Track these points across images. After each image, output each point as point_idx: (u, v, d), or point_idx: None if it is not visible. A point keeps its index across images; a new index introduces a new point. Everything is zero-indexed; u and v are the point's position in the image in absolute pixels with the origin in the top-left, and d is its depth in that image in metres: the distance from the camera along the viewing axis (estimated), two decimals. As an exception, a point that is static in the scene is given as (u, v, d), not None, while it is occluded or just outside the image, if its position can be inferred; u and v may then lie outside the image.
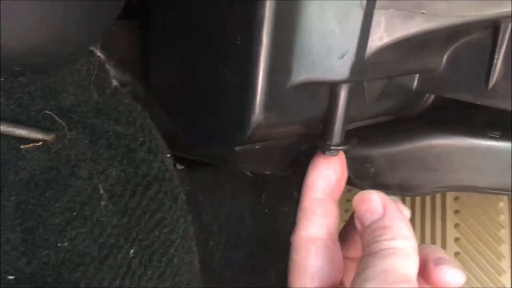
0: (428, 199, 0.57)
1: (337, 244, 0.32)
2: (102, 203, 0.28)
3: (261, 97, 0.28)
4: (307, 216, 0.32)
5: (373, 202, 0.29)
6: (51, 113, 0.31)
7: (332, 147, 0.33)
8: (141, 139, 0.33)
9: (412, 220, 0.56)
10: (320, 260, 0.30)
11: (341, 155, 0.34)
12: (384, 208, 0.29)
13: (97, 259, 0.27)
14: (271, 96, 0.29)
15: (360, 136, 0.40)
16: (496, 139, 0.39)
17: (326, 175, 0.33)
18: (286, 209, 0.58)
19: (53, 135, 0.30)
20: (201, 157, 0.44)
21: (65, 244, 0.27)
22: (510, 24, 0.33)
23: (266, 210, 0.55)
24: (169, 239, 0.31)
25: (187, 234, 0.33)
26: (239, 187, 0.52)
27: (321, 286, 0.29)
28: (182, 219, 0.32)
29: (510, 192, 0.42)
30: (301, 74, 0.29)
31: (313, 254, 0.30)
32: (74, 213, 0.28)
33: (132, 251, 0.29)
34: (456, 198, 0.56)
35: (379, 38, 0.30)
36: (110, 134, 0.31)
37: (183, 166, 0.45)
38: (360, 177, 0.42)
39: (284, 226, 0.57)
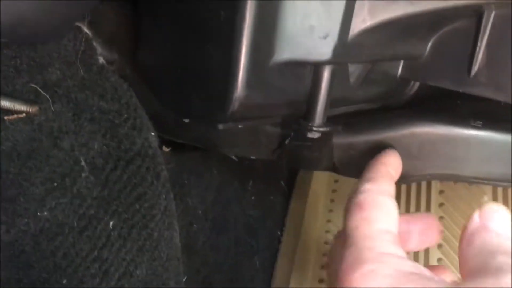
0: (413, 192, 0.57)
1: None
2: (83, 174, 0.29)
3: (244, 74, 0.29)
4: (376, 177, 0.33)
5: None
6: (36, 86, 0.31)
7: (314, 128, 0.33)
8: (125, 115, 0.33)
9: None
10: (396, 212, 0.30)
11: None
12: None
13: (76, 229, 0.28)
14: (253, 74, 0.29)
15: (345, 123, 0.41)
16: (479, 128, 0.39)
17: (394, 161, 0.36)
18: (272, 198, 0.58)
19: (37, 108, 0.30)
20: (188, 140, 0.44)
21: (45, 213, 0.27)
22: (493, 12, 0.34)
23: (253, 197, 0.56)
24: (149, 214, 0.31)
25: (168, 211, 0.33)
26: (227, 173, 0.53)
27: (396, 232, 0.29)
28: (164, 196, 0.33)
29: (492, 182, 0.42)
30: (284, 53, 0.30)
31: (394, 204, 0.30)
32: (55, 184, 0.28)
33: (111, 223, 0.29)
34: (441, 192, 0.57)
35: (362, 20, 0.30)
36: (94, 109, 0.32)
37: (170, 149, 0.45)
38: (344, 164, 0.42)
39: (270, 214, 0.58)
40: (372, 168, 0.35)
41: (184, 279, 0.39)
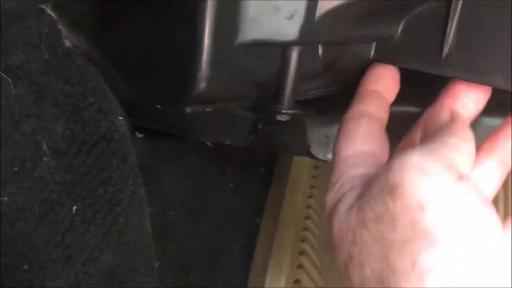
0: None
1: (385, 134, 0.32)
2: (45, 159, 0.28)
3: (208, 54, 0.28)
4: (362, 99, 0.33)
5: (442, 112, 0.30)
6: None
7: (283, 111, 0.33)
8: (91, 99, 0.32)
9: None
10: (372, 129, 0.30)
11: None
12: (452, 117, 0.30)
13: (38, 214, 0.27)
14: (218, 54, 0.29)
15: (319, 107, 0.41)
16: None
17: (385, 75, 0.35)
18: (251, 184, 0.58)
19: (-2, 91, 0.29)
20: (162, 127, 0.44)
21: (5, 198, 0.27)
22: (463, -8, 0.34)
23: (232, 184, 0.55)
24: (115, 198, 0.30)
25: (136, 196, 0.33)
26: (204, 160, 0.52)
27: (372, 150, 0.29)
28: (131, 180, 0.32)
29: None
30: (249, 33, 0.29)
31: (365, 122, 0.31)
32: (15, 168, 0.27)
33: (74, 208, 0.28)
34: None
35: (329, -1, 0.30)
36: (58, 92, 0.31)
37: (143, 135, 0.45)
38: (319, 149, 0.42)
39: (250, 201, 0.57)
40: (358, 90, 0.34)
41: (156, 266, 0.39)
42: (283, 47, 0.31)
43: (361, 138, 0.30)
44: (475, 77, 0.36)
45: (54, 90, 0.31)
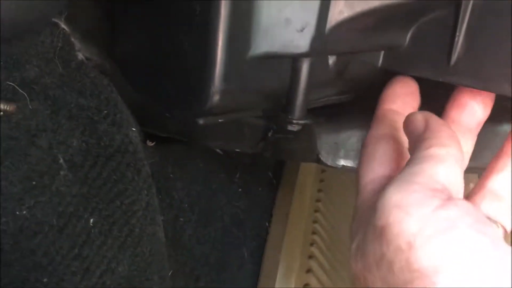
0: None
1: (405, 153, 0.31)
2: (62, 172, 0.29)
3: (221, 67, 0.29)
4: (379, 121, 0.33)
5: (415, 120, 0.29)
6: (13, 84, 0.31)
7: (294, 121, 0.33)
8: (105, 111, 0.33)
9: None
10: (390, 151, 0.30)
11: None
12: (426, 123, 0.28)
13: (56, 227, 0.28)
14: (230, 67, 0.29)
15: (327, 114, 0.41)
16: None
17: (402, 92, 0.34)
18: (259, 188, 0.58)
19: (14, 106, 0.30)
20: (172, 134, 0.44)
21: (23, 212, 0.27)
22: (471, 1, 0.34)
23: (240, 189, 0.56)
24: (131, 210, 0.31)
25: (150, 206, 0.33)
26: (212, 165, 0.53)
27: (390, 173, 0.28)
28: (145, 191, 0.33)
29: (477, 171, 0.42)
30: (261, 46, 0.29)
31: (382, 146, 0.30)
32: (33, 182, 0.28)
33: (91, 220, 0.29)
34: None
35: (339, 12, 0.30)
36: (72, 105, 0.31)
37: (154, 143, 0.45)
38: (329, 156, 0.42)
39: (258, 205, 0.58)
40: (376, 112, 0.34)
41: (170, 273, 0.39)
42: (294, 59, 0.31)
43: (379, 163, 0.29)
44: (483, 85, 0.36)
45: (69, 103, 0.31)
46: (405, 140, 0.30)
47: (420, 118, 0.28)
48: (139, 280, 0.32)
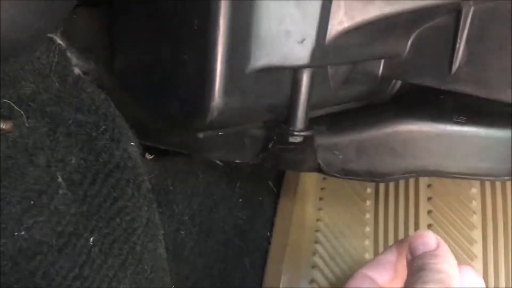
0: (401, 186, 0.57)
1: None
2: (60, 191, 0.28)
3: (220, 81, 0.28)
4: (373, 264, 0.36)
5: (429, 238, 0.33)
6: (9, 101, 0.30)
7: (296, 133, 0.33)
8: (103, 127, 0.32)
9: (386, 207, 0.56)
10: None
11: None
12: (438, 244, 0.33)
13: (55, 247, 0.27)
14: (230, 81, 0.29)
15: (328, 123, 0.41)
16: (461, 124, 0.39)
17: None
18: (260, 198, 0.58)
19: (11, 124, 0.29)
20: (171, 146, 0.44)
21: (22, 233, 0.27)
22: (471, 8, 0.34)
23: (241, 199, 0.55)
24: (131, 227, 0.30)
25: (151, 223, 0.33)
26: (212, 176, 0.52)
27: None
28: (146, 207, 0.32)
29: (477, 177, 0.42)
30: (261, 59, 0.29)
31: (367, 285, 0.35)
32: (31, 202, 0.28)
33: (91, 239, 0.28)
34: (429, 185, 0.56)
35: (339, 22, 0.30)
36: (70, 122, 0.31)
37: (153, 156, 0.45)
38: (329, 165, 0.42)
39: (259, 215, 0.57)
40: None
41: (172, 288, 0.39)
42: (294, 71, 0.31)
43: None
44: (485, 92, 0.36)
45: (66, 120, 0.31)
46: None
47: (433, 237, 0.34)
48: (141, 298, 0.31)
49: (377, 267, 0.36)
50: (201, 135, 0.32)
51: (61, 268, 0.27)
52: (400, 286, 0.35)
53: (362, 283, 0.34)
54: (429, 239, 0.33)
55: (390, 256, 0.36)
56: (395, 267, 0.36)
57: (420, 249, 0.32)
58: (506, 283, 0.49)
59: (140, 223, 0.31)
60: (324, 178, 0.59)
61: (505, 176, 0.41)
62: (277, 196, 0.60)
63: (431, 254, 0.32)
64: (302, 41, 0.29)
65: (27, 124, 0.30)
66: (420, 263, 0.31)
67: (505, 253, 0.50)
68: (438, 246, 0.33)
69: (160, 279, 0.34)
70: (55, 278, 0.27)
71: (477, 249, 0.51)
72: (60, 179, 0.28)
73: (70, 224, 0.28)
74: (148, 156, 0.44)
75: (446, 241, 0.50)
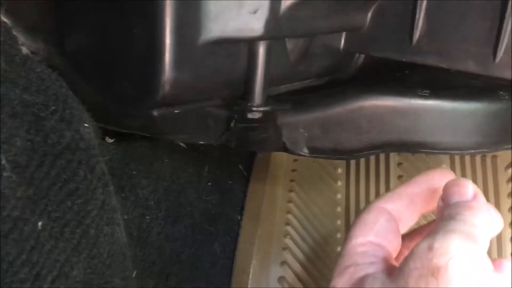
0: (372, 165, 0.57)
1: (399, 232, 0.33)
2: (5, 174, 0.27)
3: (171, 54, 0.27)
4: (391, 196, 0.33)
5: (466, 187, 0.30)
6: None
7: (254, 109, 0.32)
8: (52, 107, 0.31)
9: (357, 187, 0.56)
10: (388, 226, 0.31)
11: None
12: (475, 195, 0.30)
13: (1, 233, 0.26)
14: (182, 54, 0.27)
15: (292, 101, 0.40)
16: (426, 97, 0.38)
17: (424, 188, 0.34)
18: (230, 182, 0.57)
19: (-49, 105, 0.28)
20: (132, 129, 0.42)
21: (-36, 219, 0.25)
22: (430, -22, 0.33)
23: (209, 183, 0.54)
24: (84, 210, 0.29)
25: (106, 206, 0.31)
26: (179, 160, 0.51)
27: (383, 244, 0.30)
28: (100, 190, 0.31)
29: (444, 151, 0.42)
30: (213, 30, 0.28)
31: (384, 218, 0.32)
32: (-27, 186, 0.26)
33: (40, 223, 0.27)
34: (399, 164, 0.57)
35: (293, -8, 0.29)
36: (16, 102, 0.29)
37: (113, 140, 0.43)
38: (294, 143, 0.41)
39: (229, 198, 0.56)
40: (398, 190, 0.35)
41: (134, 274, 0.38)
42: (250, 43, 0.30)
43: (375, 233, 0.31)
44: (446, 63, 0.35)
45: (12, 100, 0.29)
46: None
47: (471, 186, 0.31)
48: (98, 283, 0.30)
49: (394, 201, 0.33)
50: (155, 112, 0.31)
51: (7, 254, 0.26)
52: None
53: (378, 218, 0.31)
54: (466, 188, 0.30)
55: (411, 189, 0.33)
56: (414, 202, 0.33)
57: (455, 198, 0.30)
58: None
59: (94, 205, 0.30)
60: (295, 160, 0.58)
61: (472, 149, 0.41)
62: (247, 180, 0.59)
63: (465, 204, 0.29)
64: (255, 12, 0.28)
65: (-32, 105, 0.28)
66: (452, 213, 0.28)
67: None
68: (474, 197, 0.30)
69: (119, 264, 0.33)
70: (1, 264, 0.26)
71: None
72: (4, 162, 0.27)
73: (16, 209, 0.27)
74: (109, 140, 0.43)
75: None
